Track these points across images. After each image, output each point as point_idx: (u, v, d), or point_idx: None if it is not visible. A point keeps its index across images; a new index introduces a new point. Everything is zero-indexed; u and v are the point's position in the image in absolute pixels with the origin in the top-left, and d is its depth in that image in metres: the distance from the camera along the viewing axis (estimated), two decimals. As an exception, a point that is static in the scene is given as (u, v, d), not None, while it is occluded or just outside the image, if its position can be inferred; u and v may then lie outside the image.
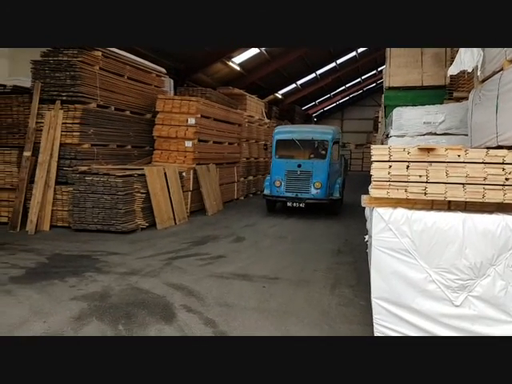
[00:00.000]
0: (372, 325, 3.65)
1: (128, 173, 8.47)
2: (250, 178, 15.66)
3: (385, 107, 10.70)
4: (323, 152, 10.81)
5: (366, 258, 5.66)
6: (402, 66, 9.90)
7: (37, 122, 8.56)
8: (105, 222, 8.08)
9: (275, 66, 19.49)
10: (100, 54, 9.23)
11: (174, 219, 9.35)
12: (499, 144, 4.22)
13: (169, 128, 10.88)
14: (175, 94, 13.29)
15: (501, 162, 3.26)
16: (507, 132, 4.02)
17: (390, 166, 3.52)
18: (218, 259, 6.58)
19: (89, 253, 6.69)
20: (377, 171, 3.56)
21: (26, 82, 8.97)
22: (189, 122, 10.82)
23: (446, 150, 3.41)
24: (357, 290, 5.23)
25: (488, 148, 3.78)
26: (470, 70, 5.05)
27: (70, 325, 4.04)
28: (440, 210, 3.53)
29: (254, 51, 17.54)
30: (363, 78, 31.22)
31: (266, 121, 18.47)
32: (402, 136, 7.27)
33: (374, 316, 3.60)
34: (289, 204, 10.54)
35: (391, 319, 3.52)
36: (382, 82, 12.50)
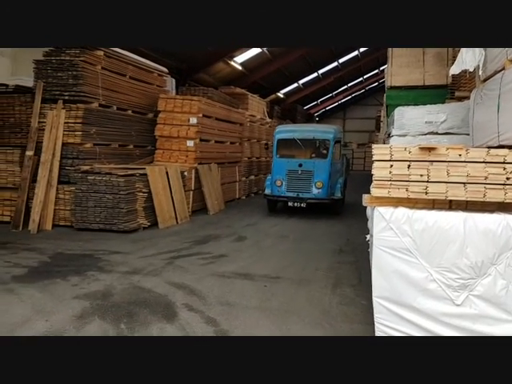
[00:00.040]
0: (373, 324, 3.65)
1: (130, 172, 8.50)
2: (252, 177, 15.66)
3: (387, 107, 10.70)
4: (324, 151, 10.75)
5: (367, 257, 5.66)
6: (403, 66, 9.90)
7: (39, 122, 8.59)
8: (107, 222, 8.10)
9: (277, 65, 19.50)
10: (102, 53, 9.27)
11: (176, 218, 9.37)
12: (501, 143, 4.23)
13: (171, 127, 10.90)
14: (177, 93, 13.31)
15: (502, 161, 3.26)
16: (508, 131, 4.02)
17: (391, 166, 3.53)
18: (219, 258, 6.60)
19: (91, 252, 6.72)
20: (378, 170, 3.56)
21: (28, 81, 9.00)
22: (190, 122, 10.84)
23: (447, 149, 3.41)
24: (358, 289, 5.24)
25: (489, 147, 3.79)
26: (471, 70, 5.05)
27: (72, 323, 4.06)
28: (441, 209, 3.53)
29: (255, 51, 17.55)
30: (365, 77, 31.21)
31: (268, 120, 18.48)
32: (404, 135, 7.27)
33: (375, 315, 3.60)
34: (290, 204, 10.49)
35: (392, 318, 3.52)
36: (384, 82, 12.50)
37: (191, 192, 10.56)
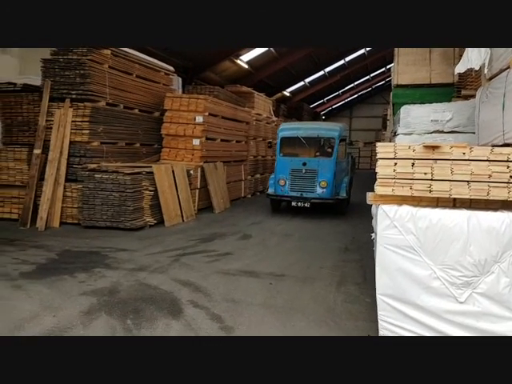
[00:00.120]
0: (377, 321, 3.68)
1: (136, 170, 8.55)
2: (258, 176, 15.69)
3: (393, 105, 10.70)
4: (329, 150, 10.52)
5: (372, 255, 5.65)
6: (410, 64, 9.89)
7: (47, 120, 8.66)
8: (114, 219, 8.17)
9: (283, 63, 19.50)
10: (109, 52, 9.33)
11: (182, 216, 9.42)
12: (505, 142, 4.23)
13: (177, 126, 10.94)
14: (183, 92, 13.35)
15: (506, 159, 3.28)
16: (513, 130, 4.02)
17: (396, 164, 3.54)
18: (225, 256, 6.64)
19: (98, 249, 6.78)
20: (382, 169, 3.58)
21: (36, 80, 9.07)
22: (197, 120, 10.87)
23: (451, 147, 3.43)
24: (363, 287, 5.26)
25: (494, 146, 3.80)
26: (477, 68, 5.05)
27: (79, 319, 4.12)
28: (445, 207, 3.55)
29: (261, 49, 17.56)
30: (372, 75, 31.08)
31: (274, 119, 18.48)
32: (410, 134, 7.27)
33: (379, 312, 3.62)
34: (293, 204, 10.25)
35: (396, 316, 3.54)
36: (390, 80, 12.47)
37: (197, 190, 10.60)
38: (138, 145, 10.60)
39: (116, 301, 4.61)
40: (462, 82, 8.13)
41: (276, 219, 10.25)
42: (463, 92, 7.87)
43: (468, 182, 3.37)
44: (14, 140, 9.13)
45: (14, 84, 9.07)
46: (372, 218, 5.94)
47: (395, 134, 8.12)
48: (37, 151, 8.55)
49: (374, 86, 34.95)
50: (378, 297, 3.62)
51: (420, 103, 7.78)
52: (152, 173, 8.79)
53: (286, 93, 26.23)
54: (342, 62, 24.30)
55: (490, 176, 3.31)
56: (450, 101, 8.02)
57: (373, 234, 5.22)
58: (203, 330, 3.98)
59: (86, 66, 8.67)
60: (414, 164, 3.50)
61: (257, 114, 16.09)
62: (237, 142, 13.66)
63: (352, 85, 32.24)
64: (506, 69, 4.32)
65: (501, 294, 3.27)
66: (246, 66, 18.37)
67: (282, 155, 10.76)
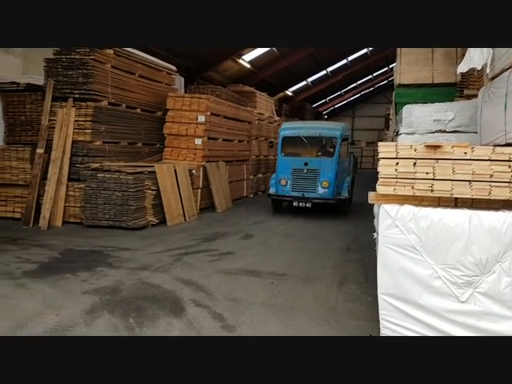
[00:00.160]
0: (378, 321, 3.68)
1: (139, 170, 8.58)
2: (260, 175, 15.70)
3: (395, 104, 10.66)
4: (331, 149, 10.43)
5: (374, 255, 5.65)
6: (412, 64, 9.87)
7: (49, 120, 8.70)
8: (116, 219, 8.20)
9: (285, 63, 19.49)
10: (112, 52, 9.35)
11: (184, 216, 9.44)
12: (508, 141, 4.23)
13: (179, 126, 10.95)
14: (186, 91, 13.39)
15: (507, 159, 3.27)
16: (515, 129, 4.02)
17: (397, 163, 3.55)
18: (226, 255, 6.65)
19: (100, 248, 6.81)
20: (384, 168, 3.59)
21: (39, 79, 9.11)
22: (199, 120, 10.88)
23: (453, 147, 3.43)
24: (364, 286, 5.27)
25: (496, 145, 3.80)
26: (479, 68, 5.04)
27: (81, 317, 4.14)
28: (447, 206, 3.55)
29: (264, 49, 17.56)
30: (375, 75, 31.05)
31: (276, 118, 18.48)
32: (412, 133, 7.25)
33: (380, 312, 3.62)
34: (295, 204, 10.18)
35: (397, 315, 3.54)
36: (393, 79, 12.45)
37: (199, 190, 10.62)
38: (140, 144, 10.63)
39: (118, 299, 4.63)
40: (465, 82, 8.11)
41: (278, 219, 10.25)
42: (466, 92, 7.84)
43: (469, 181, 3.37)
44: (17, 139, 9.16)
45: (17, 83, 9.10)
46: (374, 218, 5.96)
47: (397, 134, 8.11)
48: (40, 150, 8.59)
49: (376, 86, 34.91)
50: (380, 296, 3.62)
51: (422, 103, 7.76)
52: (154, 172, 8.81)
53: (289, 92, 26.22)
54: (344, 61, 24.28)
55: (491, 176, 3.31)
56: (452, 100, 8.00)
57: (375, 234, 5.24)
58: (205, 328, 3.99)
59: (88, 65, 8.70)
60: (415, 163, 3.50)
61: (259, 113, 16.10)
62: (239, 141, 13.67)
63: (354, 84, 32.20)
64: (508, 69, 4.31)
65: (502, 293, 3.27)
66: (248, 66, 18.38)
67: (283, 155, 10.71)
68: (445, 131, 6.94)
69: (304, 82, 26.00)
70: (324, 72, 25.16)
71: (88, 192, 8.29)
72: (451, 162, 3.41)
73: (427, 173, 3.47)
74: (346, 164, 11.36)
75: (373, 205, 4.38)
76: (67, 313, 4.25)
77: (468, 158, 3.37)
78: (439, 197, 3.57)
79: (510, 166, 3.26)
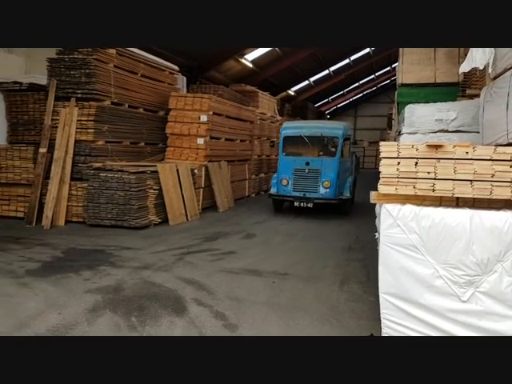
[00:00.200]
0: (380, 320, 3.68)
1: (141, 169, 8.60)
2: (262, 175, 15.70)
3: (398, 104, 10.65)
4: (333, 149, 10.36)
5: (376, 255, 5.64)
6: (414, 63, 9.87)
7: (52, 119, 8.73)
8: (118, 218, 8.22)
9: (288, 62, 19.49)
10: (114, 51, 9.37)
11: (186, 215, 9.46)
12: (509, 141, 4.23)
13: (181, 125, 10.97)
14: (188, 91, 13.38)
15: (509, 159, 3.27)
16: (517, 129, 4.02)
17: (399, 163, 3.55)
18: (228, 255, 6.66)
19: (103, 247, 6.83)
20: (385, 168, 3.59)
21: (41, 79, 9.14)
22: (201, 120, 10.90)
23: (454, 146, 3.43)
24: (366, 286, 5.27)
25: (498, 145, 3.80)
26: (481, 68, 5.04)
27: (84, 316, 4.16)
28: (448, 206, 3.55)
29: (266, 48, 17.55)
30: (377, 74, 31.01)
31: (278, 118, 18.48)
32: (414, 133, 7.24)
33: (382, 311, 3.63)
34: (296, 204, 10.09)
35: (399, 314, 3.55)
36: (395, 79, 12.44)
37: (201, 189, 10.63)
38: (142, 144, 10.65)
39: (120, 298, 4.65)
40: (467, 82, 8.10)
41: (279, 219, 10.25)
42: (468, 91, 7.83)
43: (471, 181, 3.37)
44: (20, 139, 9.20)
45: (20, 83, 9.13)
46: (376, 218, 5.96)
47: (400, 134, 8.11)
48: (42, 150, 8.62)
49: (379, 85, 34.85)
50: (381, 295, 3.63)
51: (425, 102, 7.76)
52: (156, 172, 8.83)
53: (291, 92, 26.22)
54: (346, 60, 24.27)
55: (493, 175, 3.31)
56: (454, 100, 8.00)
57: (376, 234, 5.24)
58: (207, 327, 4.01)
59: (91, 65, 8.72)
60: (417, 163, 3.51)
61: (261, 113, 16.10)
62: (241, 141, 13.67)
63: (357, 84, 32.17)
64: (510, 68, 4.31)
65: (503, 292, 3.27)
66: (250, 65, 18.38)
67: (284, 155, 10.65)
68: (447, 131, 6.93)
69: (306, 82, 26.00)
70: (326, 71, 25.15)
71: (90, 191, 8.32)
72: (453, 161, 3.42)
73: (429, 172, 3.47)
74: (348, 164, 11.27)
75: (375, 205, 4.38)
76: (70, 311, 4.27)
77: (469, 157, 3.38)
78: (441, 196, 3.58)
79: (511, 166, 3.26)
